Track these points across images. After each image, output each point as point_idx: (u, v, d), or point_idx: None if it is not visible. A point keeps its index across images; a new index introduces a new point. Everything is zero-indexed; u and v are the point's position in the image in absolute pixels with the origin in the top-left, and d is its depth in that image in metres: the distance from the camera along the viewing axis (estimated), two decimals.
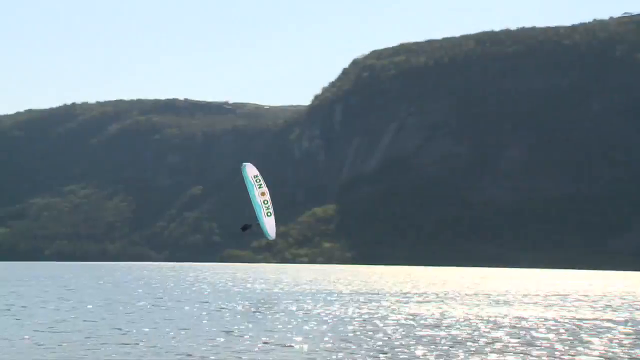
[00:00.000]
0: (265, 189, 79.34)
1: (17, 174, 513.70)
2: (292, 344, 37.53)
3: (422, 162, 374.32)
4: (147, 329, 44.02)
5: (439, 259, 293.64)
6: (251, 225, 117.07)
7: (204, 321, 49.98)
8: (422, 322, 50.60)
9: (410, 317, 54.44)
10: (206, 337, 40.06)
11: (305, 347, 36.63)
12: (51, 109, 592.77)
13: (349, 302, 72.88)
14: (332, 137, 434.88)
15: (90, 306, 62.80)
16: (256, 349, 35.77)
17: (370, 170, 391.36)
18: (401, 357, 33.71)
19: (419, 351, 35.40)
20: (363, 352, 34.99)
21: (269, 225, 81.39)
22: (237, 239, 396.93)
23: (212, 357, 32.82)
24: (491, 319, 53.05)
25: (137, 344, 37.26)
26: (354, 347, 36.78)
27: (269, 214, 78.57)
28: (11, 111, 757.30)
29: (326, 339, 40.12)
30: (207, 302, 71.75)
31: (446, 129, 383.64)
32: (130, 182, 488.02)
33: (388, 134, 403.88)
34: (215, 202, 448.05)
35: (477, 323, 49.92)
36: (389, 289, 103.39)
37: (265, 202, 78.08)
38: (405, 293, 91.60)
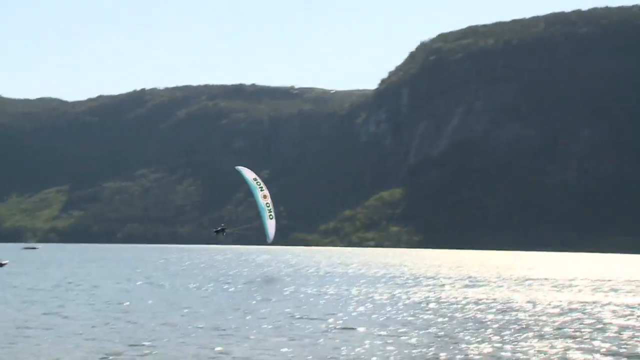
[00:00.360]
0: (266, 191, 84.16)
1: (90, 159, 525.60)
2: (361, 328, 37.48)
3: (491, 146, 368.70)
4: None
5: (508, 244, 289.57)
6: (225, 230, 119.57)
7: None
8: (491, 306, 50.04)
9: (478, 301, 53.91)
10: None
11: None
12: (122, 95, 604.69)
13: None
14: (399, 120, 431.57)
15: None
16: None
17: (437, 153, 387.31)
18: (467, 341, 33.45)
19: (485, 336, 35.06)
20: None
21: (271, 228, 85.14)
22: (305, 222, 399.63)
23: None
24: (560, 304, 52.16)
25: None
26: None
27: (271, 217, 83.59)
28: (83, 97, 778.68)
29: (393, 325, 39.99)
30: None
31: (515, 112, 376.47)
32: (199, 166, 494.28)
33: (455, 118, 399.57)
34: (283, 186, 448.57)
35: (544, 308, 49.13)
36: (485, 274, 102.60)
37: (267, 204, 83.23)
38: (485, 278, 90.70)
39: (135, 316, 41.21)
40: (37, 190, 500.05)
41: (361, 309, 47.24)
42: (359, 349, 30.72)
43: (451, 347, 31.41)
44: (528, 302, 53.66)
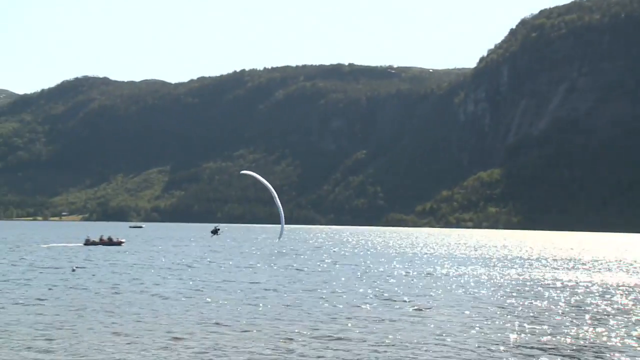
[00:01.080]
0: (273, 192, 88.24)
1: (191, 140, 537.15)
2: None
3: (595, 125, 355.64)
4: None
5: (612, 225, 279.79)
6: (218, 230, 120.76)
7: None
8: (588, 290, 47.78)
9: (578, 284, 51.60)
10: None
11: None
12: (222, 76, 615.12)
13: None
14: (498, 99, 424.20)
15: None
16: None
17: (538, 133, 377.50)
18: (560, 324, 31.73)
19: (579, 321, 33.22)
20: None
21: (283, 226, 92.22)
22: (401, 203, 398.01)
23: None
24: None
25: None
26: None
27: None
28: (185, 79, 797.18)
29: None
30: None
31: (621, 89, 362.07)
32: (297, 146, 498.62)
33: (557, 96, 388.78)
34: (380, 166, 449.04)
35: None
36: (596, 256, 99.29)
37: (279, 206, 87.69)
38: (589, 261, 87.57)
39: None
40: (141, 170, 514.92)
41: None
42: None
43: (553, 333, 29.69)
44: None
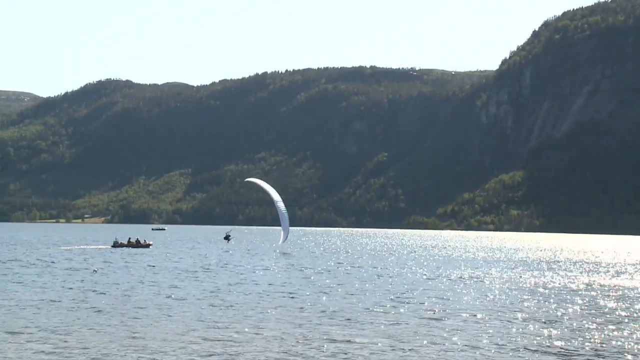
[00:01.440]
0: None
1: (213, 142, 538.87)
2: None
3: (618, 127, 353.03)
4: None
5: (634, 228, 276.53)
6: (229, 236, 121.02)
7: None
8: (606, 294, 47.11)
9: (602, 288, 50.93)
10: None
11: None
12: (244, 79, 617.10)
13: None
14: (521, 102, 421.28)
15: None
16: None
17: (560, 135, 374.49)
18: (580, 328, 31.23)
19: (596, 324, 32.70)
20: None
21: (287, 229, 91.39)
22: (422, 206, 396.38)
23: None
24: None
25: None
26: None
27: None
28: (207, 82, 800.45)
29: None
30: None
31: None
32: (318, 149, 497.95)
33: (581, 98, 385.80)
34: (401, 169, 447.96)
35: None
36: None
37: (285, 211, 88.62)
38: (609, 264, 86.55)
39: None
40: (163, 173, 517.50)
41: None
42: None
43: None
44: None
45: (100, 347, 25.93)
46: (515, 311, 36.96)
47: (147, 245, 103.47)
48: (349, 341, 27.72)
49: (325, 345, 26.83)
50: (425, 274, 61.69)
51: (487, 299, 42.82)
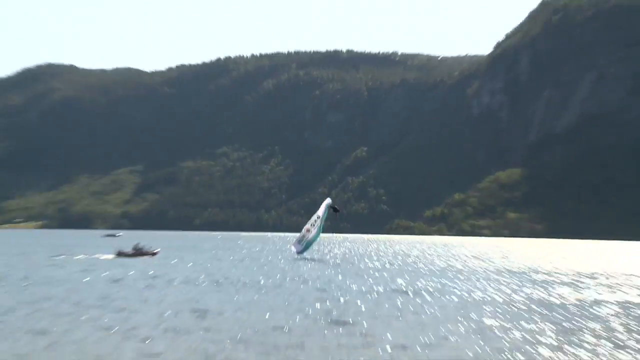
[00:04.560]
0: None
1: (167, 136, 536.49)
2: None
3: (627, 118, 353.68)
4: None
5: None
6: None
7: None
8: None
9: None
10: None
11: None
12: (204, 64, 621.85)
13: None
14: (518, 90, 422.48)
15: None
16: None
17: (563, 128, 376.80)
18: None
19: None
20: None
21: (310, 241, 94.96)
22: (407, 208, 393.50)
23: None
24: None
25: None
26: None
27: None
28: (162, 67, 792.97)
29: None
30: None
31: None
32: (287, 143, 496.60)
33: (585, 86, 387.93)
34: (382, 166, 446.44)
35: None
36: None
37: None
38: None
39: None
40: (109, 171, 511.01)
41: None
42: None
43: None
44: None
45: None
46: None
47: (154, 254, 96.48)
48: None
49: None
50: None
51: None
